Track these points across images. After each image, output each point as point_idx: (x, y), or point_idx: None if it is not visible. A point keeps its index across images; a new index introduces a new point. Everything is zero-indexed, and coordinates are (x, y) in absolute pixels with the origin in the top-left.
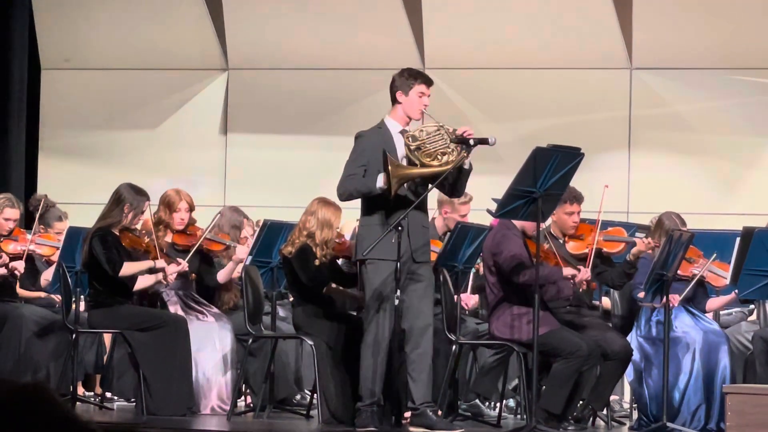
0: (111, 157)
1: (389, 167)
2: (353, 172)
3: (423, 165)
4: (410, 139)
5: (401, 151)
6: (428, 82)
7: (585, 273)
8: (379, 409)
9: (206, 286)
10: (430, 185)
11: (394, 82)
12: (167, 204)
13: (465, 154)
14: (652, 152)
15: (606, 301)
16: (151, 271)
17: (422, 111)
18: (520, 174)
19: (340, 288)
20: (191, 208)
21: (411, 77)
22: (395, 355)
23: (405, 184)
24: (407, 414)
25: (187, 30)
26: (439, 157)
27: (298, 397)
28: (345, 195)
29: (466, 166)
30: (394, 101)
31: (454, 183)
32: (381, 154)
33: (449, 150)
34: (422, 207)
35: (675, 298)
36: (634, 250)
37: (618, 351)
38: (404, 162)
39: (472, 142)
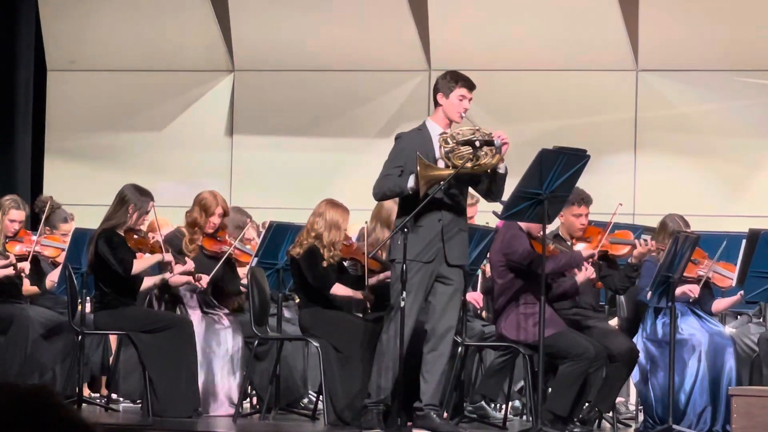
0: (117, 158)
1: (418, 168)
2: (389, 173)
3: (454, 167)
4: (445, 141)
5: (438, 153)
6: (470, 86)
7: (591, 250)
8: (386, 408)
9: (227, 293)
10: (476, 192)
11: (436, 84)
12: (204, 207)
13: (499, 157)
14: (658, 154)
15: (613, 321)
16: (161, 265)
17: (462, 114)
18: (526, 176)
19: (345, 290)
20: (225, 214)
21: (452, 80)
22: (409, 357)
23: (441, 186)
24: None
25: (193, 31)
26: (471, 159)
27: (305, 401)
28: (380, 194)
29: (501, 170)
30: (436, 103)
31: (489, 186)
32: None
33: (482, 153)
34: (460, 210)
35: (695, 290)
36: (635, 252)
37: (624, 353)
38: (440, 163)
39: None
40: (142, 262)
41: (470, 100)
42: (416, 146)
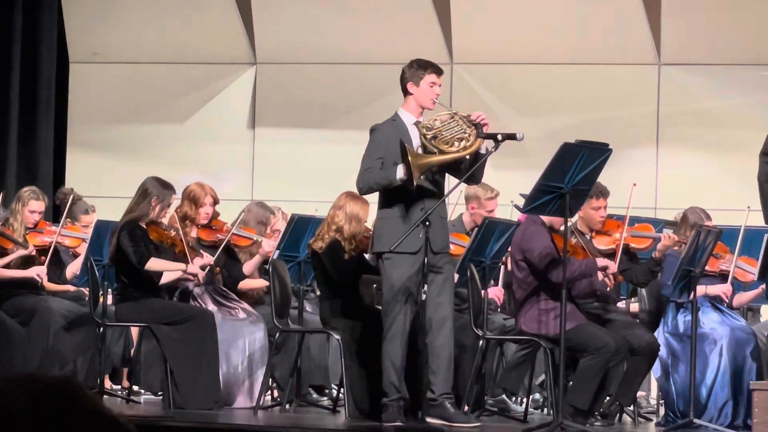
0: (138, 151)
1: (409, 157)
2: (371, 165)
3: (441, 152)
4: (425, 129)
5: (416, 142)
6: (438, 72)
7: (612, 268)
8: (404, 403)
9: (233, 280)
10: (454, 177)
11: (404, 74)
12: (192, 199)
13: (481, 141)
14: (680, 148)
15: (633, 306)
16: (182, 272)
17: (434, 100)
18: (548, 169)
19: (372, 276)
20: (216, 202)
21: (420, 68)
22: (422, 350)
23: (422, 174)
24: None
25: (215, 24)
26: (456, 143)
27: (326, 391)
28: (365, 189)
29: (483, 151)
30: (406, 93)
31: (470, 169)
32: (397, 145)
33: (465, 135)
34: (440, 196)
35: (728, 292)
36: (659, 246)
37: (645, 347)
38: (419, 152)
39: (500, 137)
40: (161, 263)
41: (440, 85)
42: (393, 137)
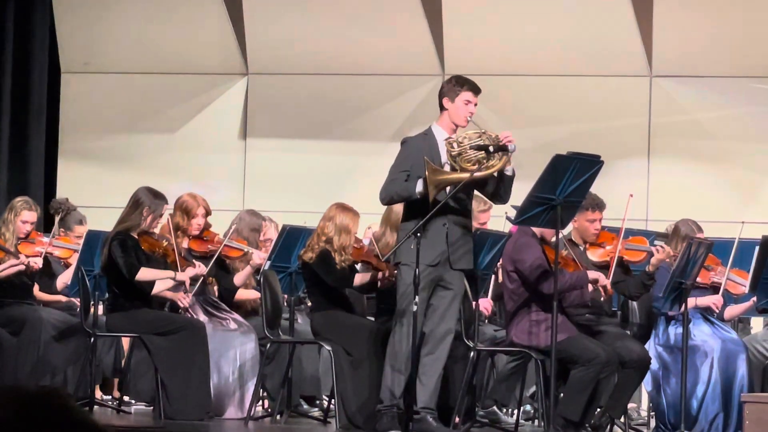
0: (130, 161)
1: (427, 172)
2: (396, 177)
3: (463, 171)
4: (452, 145)
5: (445, 158)
6: (475, 90)
7: (603, 280)
8: (399, 411)
9: (225, 290)
10: (481, 195)
11: (442, 89)
12: (185, 210)
13: (506, 159)
14: (672, 160)
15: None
16: (172, 281)
17: (468, 118)
18: (540, 181)
19: (365, 276)
20: (208, 213)
21: (458, 84)
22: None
23: (446, 190)
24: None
25: (207, 34)
26: (479, 163)
27: (317, 402)
28: (386, 199)
29: (509, 173)
30: (442, 108)
31: (495, 189)
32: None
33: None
34: (465, 213)
35: (719, 303)
36: (653, 260)
37: (636, 359)
38: (447, 168)
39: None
40: (151, 272)
41: (476, 104)
42: (422, 151)
